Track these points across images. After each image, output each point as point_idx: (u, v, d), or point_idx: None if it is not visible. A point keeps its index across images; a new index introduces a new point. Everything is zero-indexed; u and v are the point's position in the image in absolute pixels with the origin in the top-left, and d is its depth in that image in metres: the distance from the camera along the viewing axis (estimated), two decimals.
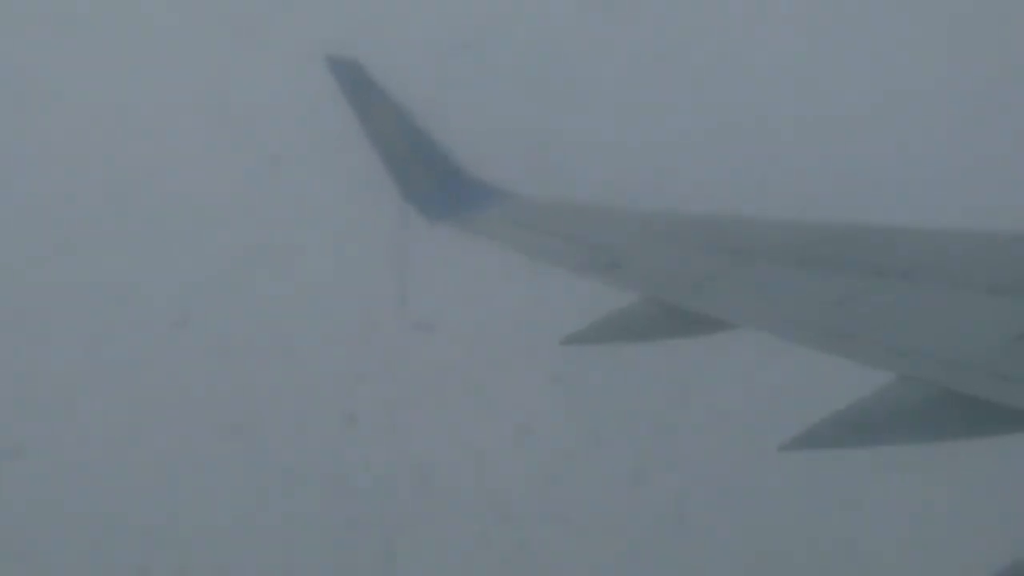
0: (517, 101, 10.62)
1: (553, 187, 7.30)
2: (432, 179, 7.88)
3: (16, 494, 8.93)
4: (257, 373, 9.32)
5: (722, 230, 5.15)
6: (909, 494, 7.35)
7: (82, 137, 10.83)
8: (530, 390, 8.87)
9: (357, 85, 8.04)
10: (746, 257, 4.62)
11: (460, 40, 10.89)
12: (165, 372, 9.43)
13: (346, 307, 9.68)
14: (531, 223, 6.73)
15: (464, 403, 9.00)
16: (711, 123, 10.67)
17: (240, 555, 8.51)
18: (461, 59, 10.72)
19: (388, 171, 8.01)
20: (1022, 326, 3.11)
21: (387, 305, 9.52)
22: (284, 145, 10.30)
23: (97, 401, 9.29)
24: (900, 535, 7.74)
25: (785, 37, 11.27)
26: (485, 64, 10.84)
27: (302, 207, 10.30)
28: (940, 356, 3.26)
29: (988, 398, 2.96)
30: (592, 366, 6.88)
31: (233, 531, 8.59)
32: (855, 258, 4.17)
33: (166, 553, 8.61)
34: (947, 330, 3.41)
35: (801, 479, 6.84)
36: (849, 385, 3.35)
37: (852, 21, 11.21)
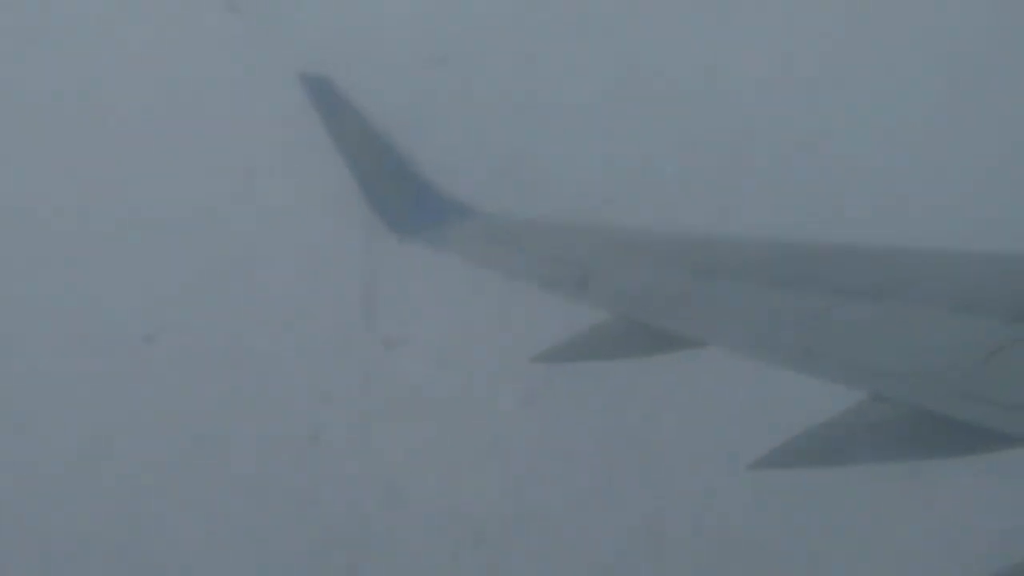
0: (488, 118, 10.63)
1: (523, 204, 7.29)
2: (402, 195, 7.89)
3: None
4: (224, 388, 9.26)
5: (691, 248, 5.16)
6: (879, 512, 7.37)
7: (52, 149, 10.75)
8: (500, 408, 8.83)
9: (329, 102, 8.08)
10: (715, 275, 4.62)
11: (433, 57, 10.91)
12: (133, 387, 9.33)
13: (314, 323, 9.64)
14: (500, 240, 6.72)
15: (433, 421, 8.96)
16: (681, 141, 10.74)
17: (204, 571, 8.41)
18: (433, 76, 10.74)
19: (359, 187, 8.02)
20: (990, 345, 3.12)
21: (355, 321, 9.48)
22: (257, 160, 10.28)
23: (65, 414, 9.18)
24: (869, 554, 7.76)
25: (756, 57, 11.38)
26: (457, 81, 10.87)
27: (273, 223, 10.27)
28: (909, 375, 3.26)
29: (958, 417, 2.96)
30: (562, 384, 6.85)
31: (197, 548, 8.48)
32: (824, 277, 4.17)
33: (130, 567, 8.49)
34: (916, 349, 3.41)
35: (771, 497, 6.84)
36: (819, 404, 3.34)
37: (822, 41, 11.35)
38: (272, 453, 8.76)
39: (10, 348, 9.57)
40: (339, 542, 8.35)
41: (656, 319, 4.40)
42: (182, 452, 8.85)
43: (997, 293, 3.53)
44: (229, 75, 10.88)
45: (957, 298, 3.54)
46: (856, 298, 3.87)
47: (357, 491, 8.60)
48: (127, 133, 10.75)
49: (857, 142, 10.87)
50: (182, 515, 8.63)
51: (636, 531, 8.14)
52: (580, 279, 5.27)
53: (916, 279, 3.92)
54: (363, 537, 8.44)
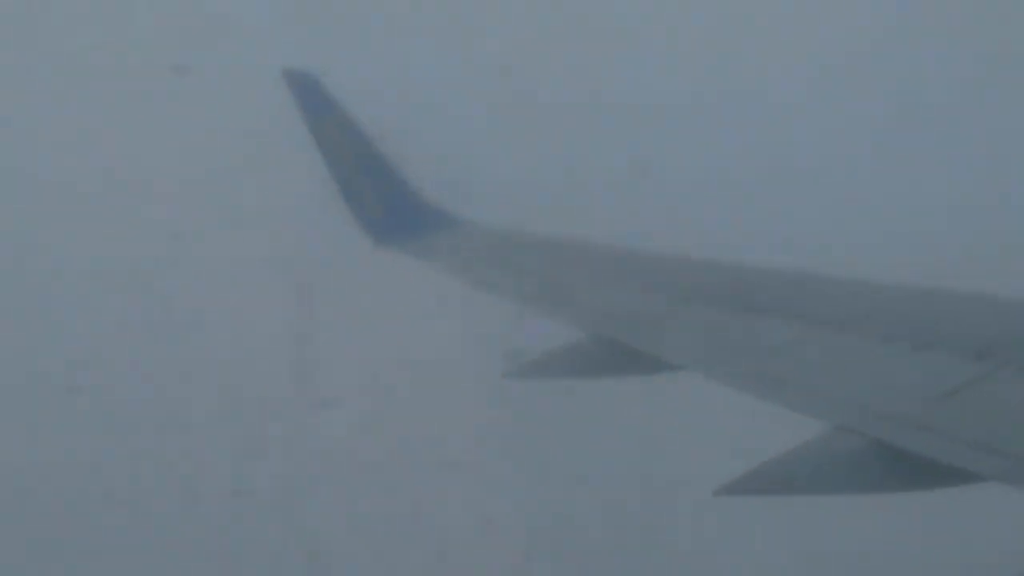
0: (480, 130, 10.64)
1: (506, 215, 7.27)
2: (382, 200, 7.80)
3: None
4: (148, 439, 9.02)
5: (669, 270, 5.19)
6: (836, 542, 7.43)
7: None
8: (469, 422, 8.79)
9: (313, 99, 7.94)
10: (690, 300, 4.66)
11: (430, 66, 10.91)
12: (54, 436, 9.07)
13: (248, 377, 9.44)
14: (479, 252, 6.71)
15: (362, 483, 8.79)
16: (670, 162, 10.80)
17: None
18: (429, 85, 10.73)
19: (338, 188, 7.91)
20: (951, 382, 3.17)
21: (288, 377, 9.34)
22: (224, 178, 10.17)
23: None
24: None
25: (746, 84, 11.49)
26: (452, 91, 10.86)
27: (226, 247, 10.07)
28: (872, 408, 3.31)
29: (918, 452, 3.01)
30: (531, 401, 6.85)
31: None
32: (794, 306, 4.22)
33: None
34: (880, 383, 3.46)
35: (736, 523, 6.88)
36: (786, 432, 3.39)
37: (786, 63, 11.47)
38: (192, 507, 8.53)
39: None
40: None
41: (629, 340, 4.43)
42: (100, 506, 8.64)
43: (959, 331, 3.59)
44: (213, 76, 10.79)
45: (920, 334, 3.60)
46: (824, 329, 3.92)
47: (278, 552, 8.40)
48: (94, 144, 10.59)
49: (833, 172, 10.98)
50: (97, 570, 8.38)
51: (596, 553, 8.12)
52: (556, 295, 5.30)
53: (882, 313, 3.99)
54: None
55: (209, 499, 8.62)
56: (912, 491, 3.14)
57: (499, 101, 10.99)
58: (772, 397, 3.59)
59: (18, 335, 9.67)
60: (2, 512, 8.55)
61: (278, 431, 9.02)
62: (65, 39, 11.26)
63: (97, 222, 10.34)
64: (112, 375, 9.34)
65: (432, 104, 10.55)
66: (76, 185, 10.35)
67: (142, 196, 10.37)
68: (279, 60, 8.27)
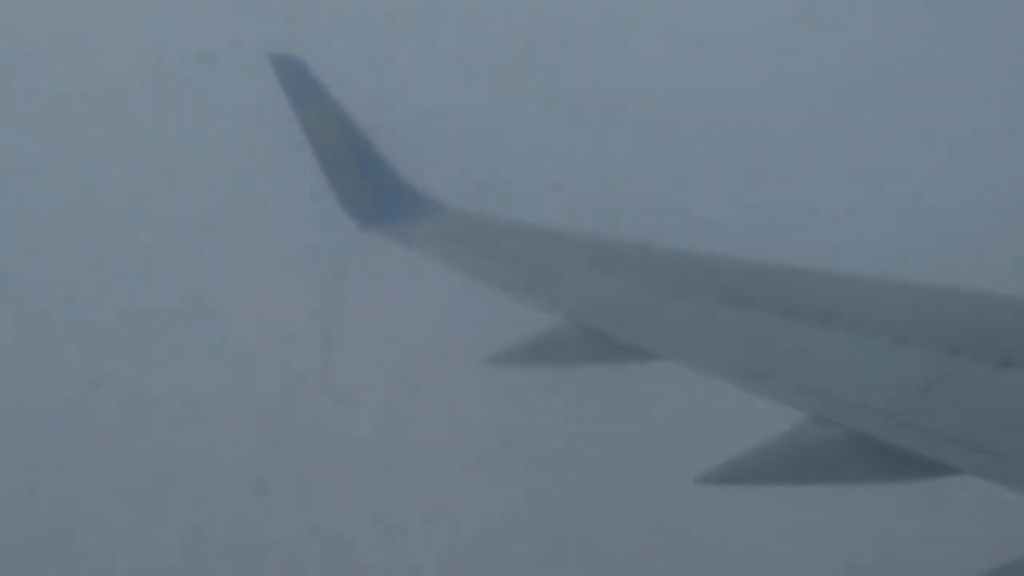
0: (466, 116, 10.61)
1: (492, 203, 7.27)
2: (368, 184, 7.78)
3: None
4: (170, 432, 8.97)
5: (652, 260, 5.21)
6: (811, 532, 7.50)
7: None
8: (447, 407, 8.80)
9: (299, 83, 7.91)
10: (673, 290, 4.68)
11: (417, 50, 10.87)
12: (75, 432, 9.03)
13: (269, 371, 9.40)
14: (464, 238, 6.71)
15: (381, 477, 8.78)
16: (656, 152, 10.82)
17: None
18: (417, 69, 10.69)
19: (324, 173, 7.89)
20: (929, 376, 3.22)
21: (311, 369, 9.31)
22: (220, 159, 10.12)
23: (2, 453, 8.85)
24: (796, 571, 7.89)
25: (736, 81, 11.51)
26: (442, 75, 10.82)
27: (232, 232, 10.06)
28: (851, 401, 3.35)
29: (895, 444, 3.05)
30: (511, 387, 6.88)
31: None
32: (777, 299, 4.26)
33: None
34: (859, 376, 3.50)
35: (716, 510, 6.93)
36: (764, 422, 3.43)
37: (789, 70, 11.51)
38: (214, 502, 8.50)
39: None
40: None
41: (612, 329, 4.45)
42: (121, 499, 8.62)
43: (938, 326, 3.64)
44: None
45: (900, 328, 3.65)
46: (806, 322, 3.96)
47: (300, 546, 8.35)
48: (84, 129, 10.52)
49: (822, 168, 11.03)
50: (118, 563, 8.32)
51: (573, 542, 8.17)
52: (540, 283, 5.31)
53: (864, 307, 4.03)
54: None
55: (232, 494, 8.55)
56: (888, 483, 3.18)
57: (490, 88, 10.97)
58: (752, 388, 3.62)
59: (37, 327, 9.60)
60: (23, 502, 8.49)
61: (251, 411, 9.03)
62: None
63: (114, 211, 10.32)
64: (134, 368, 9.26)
65: (422, 91, 10.52)
66: (94, 174, 10.31)
67: (156, 184, 10.35)
68: (268, 43, 8.23)
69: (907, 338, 3.53)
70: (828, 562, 7.79)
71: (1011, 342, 3.31)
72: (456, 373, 8.29)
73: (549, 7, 11.99)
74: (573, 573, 8.16)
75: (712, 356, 4.01)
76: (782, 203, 10.56)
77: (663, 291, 4.69)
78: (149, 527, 8.47)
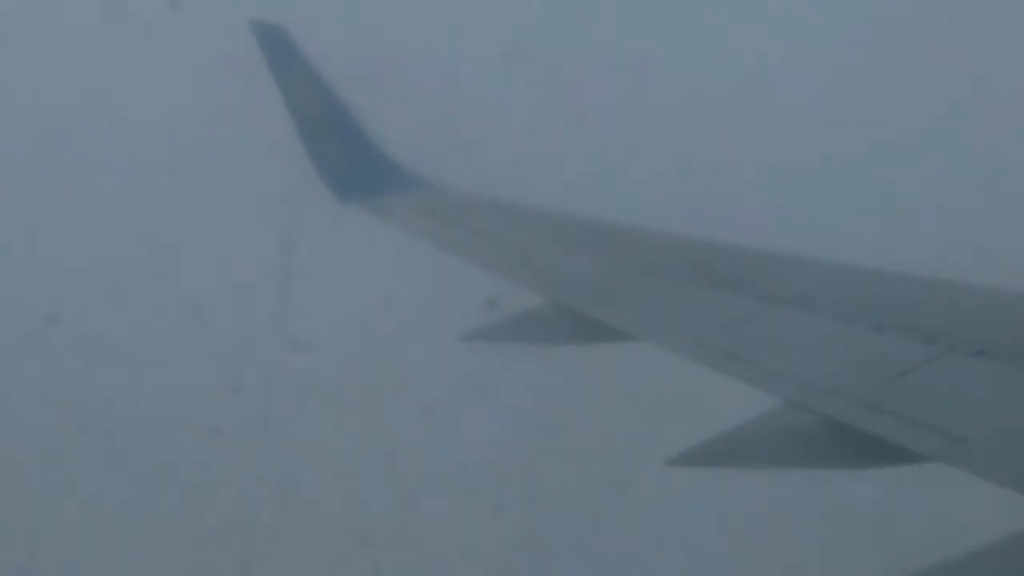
0: (457, 92, 10.53)
1: (472, 179, 7.23)
2: (348, 157, 7.71)
3: None
4: (126, 375, 8.94)
5: (631, 241, 5.21)
6: (782, 515, 7.57)
7: None
8: (423, 389, 8.82)
9: (280, 51, 7.80)
10: (650, 270, 4.68)
11: (407, 26, 10.76)
12: (29, 370, 8.98)
13: (226, 316, 9.40)
14: (444, 214, 6.68)
15: (333, 421, 8.86)
16: (647, 131, 10.78)
17: (94, 559, 8.18)
18: (404, 44, 10.58)
19: (304, 144, 7.82)
20: (904, 364, 3.23)
21: (267, 316, 9.33)
22: (193, 119, 9.99)
23: None
24: (767, 554, 7.97)
25: (730, 58, 11.46)
26: (432, 51, 10.72)
27: (199, 193, 9.97)
28: (826, 386, 3.36)
29: (867, 431, 3.06)
30: (487, 366, 6.87)
31: (89, 535, 8.25)
32: (756, 282, 4.26)
33: (10, 554, 8.20)
34: (834, 362, 3.52)
35: (686, 492, 6.97)
36: (737, 404, 3.44)
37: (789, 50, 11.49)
38: (169, 443, 8.53)
39: None
40: (230, 536, 8.19)
41: (589, 309, 4.45)
42: (76, 438, 8.59)
43: (915, 314, 3.65)
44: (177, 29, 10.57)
45: (877, 315, 3.66)
46: (783, 306, 3.97)
47: (251, 487, 8.41)
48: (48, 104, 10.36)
49: (810, 153, 11.02)
50: (73, 501, 8.34)
51: (545, 519, 8.22)
52: (519, 261, 5.30)
53: (840, 294, 4.04)
54: (253, 533, 8.29)
55: (186, 436, 8.61)
56: (859, 469, 3.21)
57: (481, 63, 10.88)
58: (726, 370, 3.63)
59: None
60: None
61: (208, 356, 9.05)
62: None
63: (75, 151, 10.19)
64: (91, 307, 9.25)
65: (409, 65, 10.42)
66: (58, 111, 10.16)
67: (122, 127, 10.22)
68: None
69: (883, 325, 3.54)
70: (798, 546, 7.86)
71: (986, 332, 3.33)
72: (431, 347, 8.30)
73: None
74: (528, 535, 8.23)
75: (688, 338, 4.02)
76: (764, 184, 10.58)
77: (641, 272, 4.69)
78: (102, 465, 8.50)
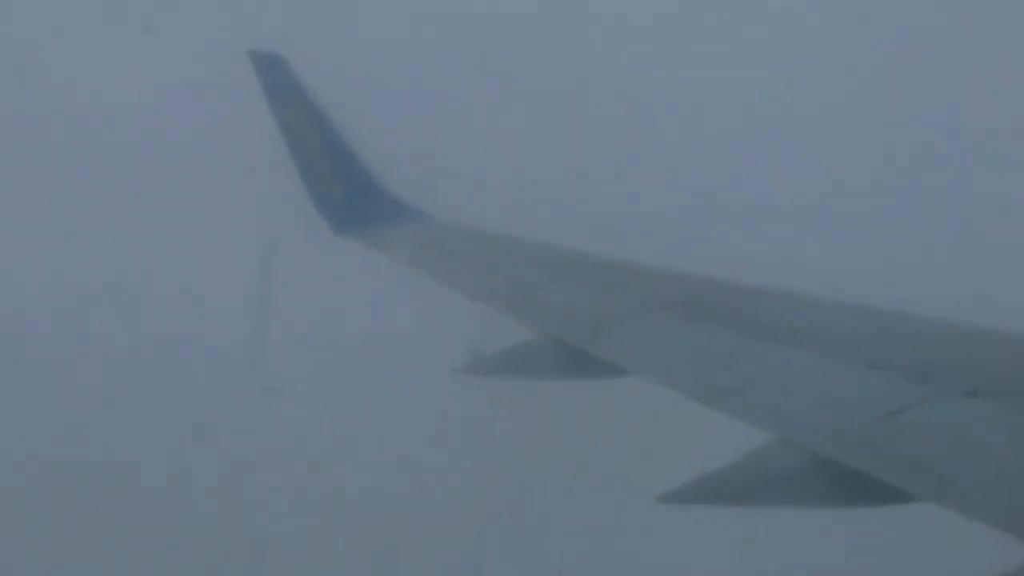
0: (452, 124, 10.57)
1: (470, 212, 7.24)
2: (344, 187, 7.73)
3: None
4: (93, 413, 8.70)
5: (626, 275, 5.23)
6: (779, 555, 7.52)
7: None
8: (416, 417, 8.76)
9: (278, 81, 7.83)
10: (643, 305, 4.69)
11: (408, 56, 10.81)
12: None
13: (200, 355, 9.27)
14: (439, 246, 6.69)
15: (308, 471, 8.67)
16: (649, 163, 10.82)
17: None
18: (408, 76, 10.63)
19: (299, 173, 7.82)
20: (894, 403, 3.24)
21: (240, 358, 9.19)
22: (189, 147, 9.99)
23: None
24: None
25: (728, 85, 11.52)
26: (432, 82, 10.77)
27: (185, 221, 9.92)
28: (817, 424, 3.37)
29: (858, 469, 3.06)
30: (480, 398, 6.84)
31: None
32: (746, 318, 4.28)
33: None
34: (825, 400, 3.52)
35: (676, 529, 6.93)
36: (732, 440, 3.43)
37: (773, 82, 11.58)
38: (134, 487, 8.25)
39: None
40: None
41: (583, 343, 4.45)
42: (38, 478, 8.35)
43: (908, 353, 3.66)
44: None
45: (871, 353, 3.67)
46: (777, 342, 3.98)
47: (218, 538, 8.12)
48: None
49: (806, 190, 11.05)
50: (29, 543, 8.04)
51: (531, 552, 8.13)
52: (514, 294, 5.31)
53: (835, 331, 4.06)
54: None
55: (151, 479, 8.44)
56: (850, 508, 3.20)
57: (476, 94, 10.94)
58: (718, 406, 3.63)
59: None
60: None
61: (223, 413, 8.88)
62: None
63: (53, 177, 10.13)
64: (57, 342, 9.10)
65: (404, 95, 10.48)
66: (40, 136, 10.12)
67: (105, 154, 10.18)
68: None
69: (877, 364, 3.55)
70: None
71: (979, 373, 3.34)
72: (424, 380, 8.26)
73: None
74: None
75: (681, 373, 4.02)
76: (756, 201, 10.61)
77: (634, 307, 4.70)
78: (66, 516, 8.19)
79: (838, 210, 10.89)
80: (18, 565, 8.07)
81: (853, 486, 3.11)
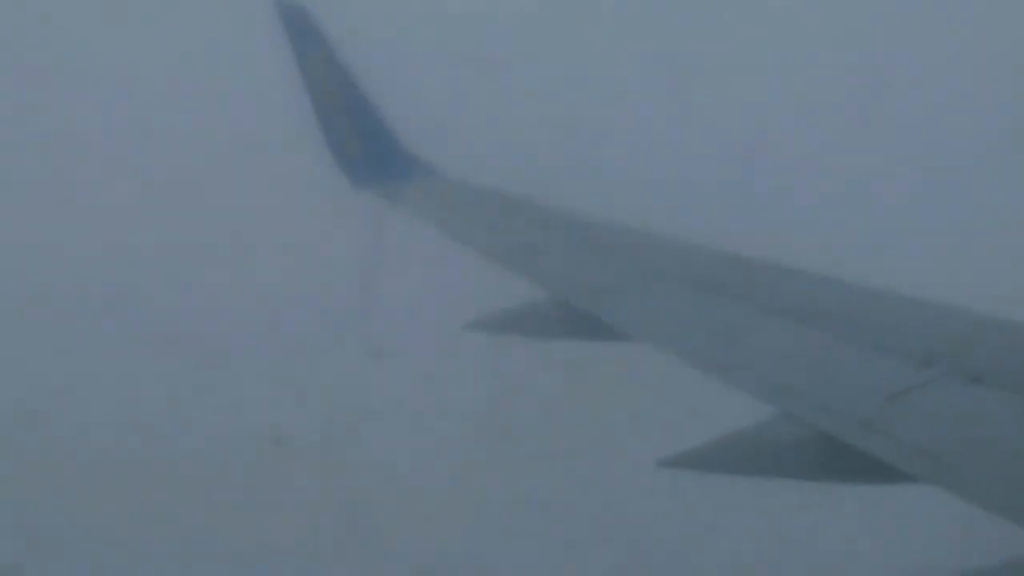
0: (475, 85, 10.53)
1: (486, 171, 7.22)
2: (363, 142, 7.74)
3: None
4: (189, 378, 8.67)
5: (637, 242, 5.22)
6: (774, 526, 7.57)
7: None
8: (421, 372, 8.80)
9: (302, 32, 7.81)
10: (652, 273, 4.70)
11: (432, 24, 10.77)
12: (92, 369, 8.78)
13: (297, 318, 9.25)
14: (453, 204, 6.71)
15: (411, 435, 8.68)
16: (658, 137, 10.76)
17: (145, 563, 7.71)
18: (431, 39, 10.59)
19: (319, 125, 7.83)
20: (897, 385, 3.24)
21: (337, 319, 9.18)
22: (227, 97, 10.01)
23: (11, 380, 8.64)
24: (747, 562, 7.96)
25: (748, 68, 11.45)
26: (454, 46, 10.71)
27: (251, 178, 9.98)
28: (819, 400, 3.38)
29: (858, 448, 3.08)
30: (483, 356, 6.86)
31: (140, 539, 7.78)
32: (757, 291, 4.27)
33: (71, 561, 7.98)
34: (829, 377, 3.53)
35: (674, 495, 6.97)
36: (733, 411, 3.45)
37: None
38: (230, 452, 8.15)
39: None
40: (290, 552, 7.75)
41: (589, 307, 4.46)
42: (135, 442, 8.34)
43: (914, 337, 3.66)
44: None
45: (877, 335, 3.67)
46: (784, 318, 3.98)
47: (314, 501, 8.05)
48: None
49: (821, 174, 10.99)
50: (126, 508, 7.95)
51: (531, 516, 8.20)
52: (525, 254, 5.32)
53: (843, 311, 4.05)
54: (314, 550, 7.83)
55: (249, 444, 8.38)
56: (848, 485, 3.22)
57: (501, 55, 10.87)
58: (722, 376, 3.65)
59: (54, 262, 9.46)
60: (32, 447, 8.28)
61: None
62: None
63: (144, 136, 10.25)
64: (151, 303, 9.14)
65: (427, 54, 10.44)
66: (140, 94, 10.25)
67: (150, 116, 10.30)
68: None
69: (882, 345, 3.55)
70: (779, 556, 7.86)
71: (984, 359, 3.34)
72: (432, 335, 8.29)
73: None
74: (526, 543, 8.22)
75: (687, 343, 4.03)
76: (773, 182, 10.55)
77: (645, 273, 4.70)
78: (162, 470, 8.18)
79: (852, 188, 10.83)
80: (121, 525, 7.99)
81: (852, 464, 3.12)
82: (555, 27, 11.24)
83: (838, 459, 3.17)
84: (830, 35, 11.83)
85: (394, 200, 7.21)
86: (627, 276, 4.72)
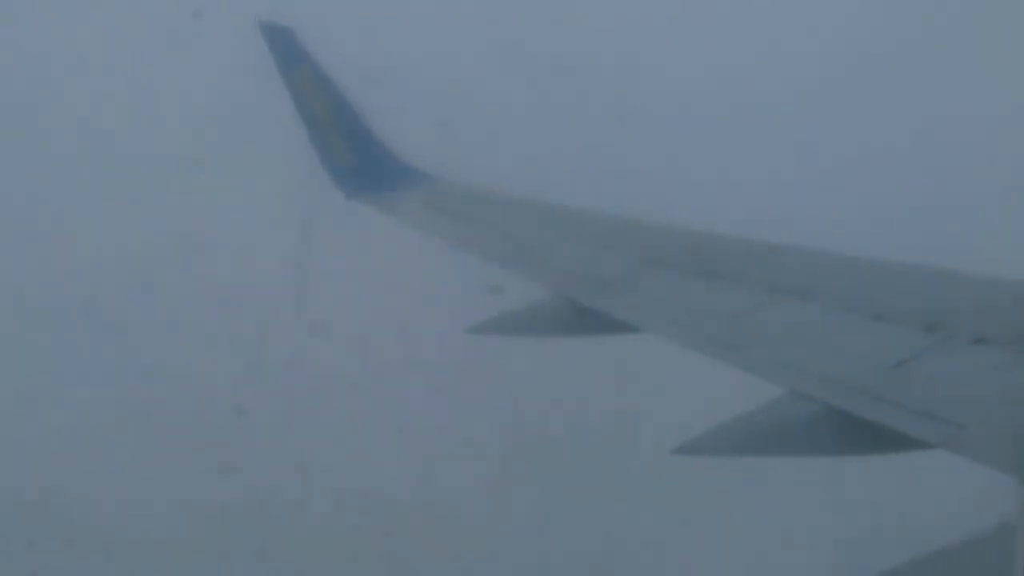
0: (460, 88, 10.56)
1: (476, 174, 7.27)
2: (354, 153, 7.79)
3: None
4: (160, 357, 9.29)
5: (635, 234, 5.24)
6: (786, 501, 7.60)
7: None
8: (425, 377, 8.91)
9: (288, 52, 7.89)
10: (653, 263, 4.71)
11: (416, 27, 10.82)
12: (66, 351, 9.41)
13: (248, 301, 9.60)
14: (448, 209, 6.72)
15: (349, 403, 9.09)
16: (648, 125, 10.78)
17: (126, 533, 8.48)
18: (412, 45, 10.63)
19: (310, 141, 7.89)
20: (903, 353, 3.27)
21: (287, 301, 9.51)
22: (209, 111, 10.11)
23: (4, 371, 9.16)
24: (771, 541, 8.01)
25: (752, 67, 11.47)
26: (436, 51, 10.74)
27: (219, 182, 10.16)
28: (827, 376, 3.40)
29: (868, 418, 3.10)
30: (492, 358, 6.93)
31: (120, 513, 8.60)
32: (757, 274, 4.29)
33: (50, 527, 8.54)
34: (835, 352, 3.55)
35: (690, 481, 7.00)
36: (742, 394, 3.47)
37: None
38: (197, 422, 8.89)
39: None
40: (251, 508, 8.54)
41: (593, 301, 4.48)
42: (106, 419, 8.98)
43: (912, 303, 3.69)
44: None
45: (877, 305, 3.69)
46: (785, 297, 4.00)
47: (273, 463, 8.76)
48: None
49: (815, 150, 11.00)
50: (100, 476, 8.71)
51: (543, 508, 8.29)
52: (523, 254, 5.34)
53: (841, 284, 4.08)
54: (274, 505, 8.62)
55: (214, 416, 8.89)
56: (861, 456, 3.24)
57: (483, 61, 10.90)
58: (728, 360, 3.67)
59: (29, 256, 9.84)
60: (15, 422, 8.79)
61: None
62: None
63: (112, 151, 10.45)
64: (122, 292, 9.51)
65: (413, 63, 10.48)
66: (90, 116, 10.43)
67: (149, 127, 10.48)
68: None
69: (884, 315, 3.57)
70: (801, 532, 7.90)
71: (986, 320, 3.36)
72: (435, 340, 8.41)
73: None
74: (530, 535, 8.33)
75: (691, 329, 4.05)
76: (760, 173, 10.60)
77: (643, 264, 4.72)
78: (137, 441, 8.86)
79: (842, 162, 10.86)
80: (96, 489, 8.68)
81: (863, 435, 3.15)
82: (540, 35, 11.31)
83: (848, 432, 3.19)
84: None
85: (388, 209, 7.24)
86: (627, 268, 4.74)
